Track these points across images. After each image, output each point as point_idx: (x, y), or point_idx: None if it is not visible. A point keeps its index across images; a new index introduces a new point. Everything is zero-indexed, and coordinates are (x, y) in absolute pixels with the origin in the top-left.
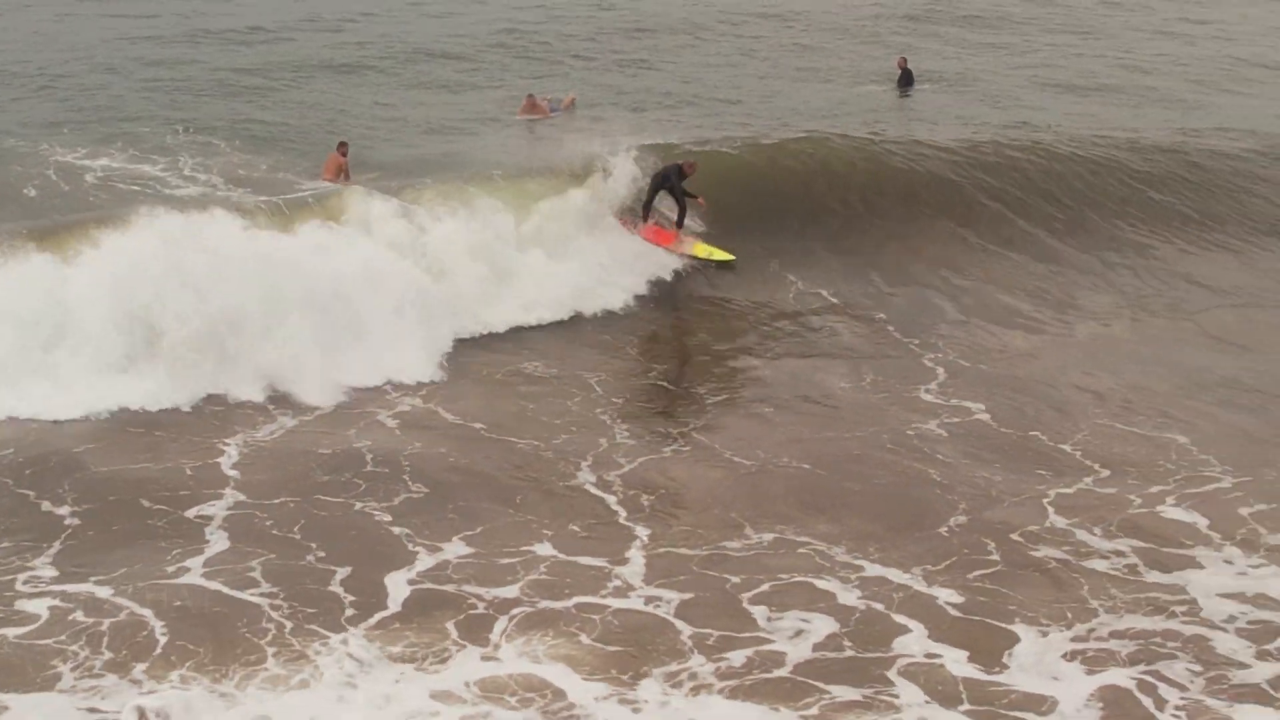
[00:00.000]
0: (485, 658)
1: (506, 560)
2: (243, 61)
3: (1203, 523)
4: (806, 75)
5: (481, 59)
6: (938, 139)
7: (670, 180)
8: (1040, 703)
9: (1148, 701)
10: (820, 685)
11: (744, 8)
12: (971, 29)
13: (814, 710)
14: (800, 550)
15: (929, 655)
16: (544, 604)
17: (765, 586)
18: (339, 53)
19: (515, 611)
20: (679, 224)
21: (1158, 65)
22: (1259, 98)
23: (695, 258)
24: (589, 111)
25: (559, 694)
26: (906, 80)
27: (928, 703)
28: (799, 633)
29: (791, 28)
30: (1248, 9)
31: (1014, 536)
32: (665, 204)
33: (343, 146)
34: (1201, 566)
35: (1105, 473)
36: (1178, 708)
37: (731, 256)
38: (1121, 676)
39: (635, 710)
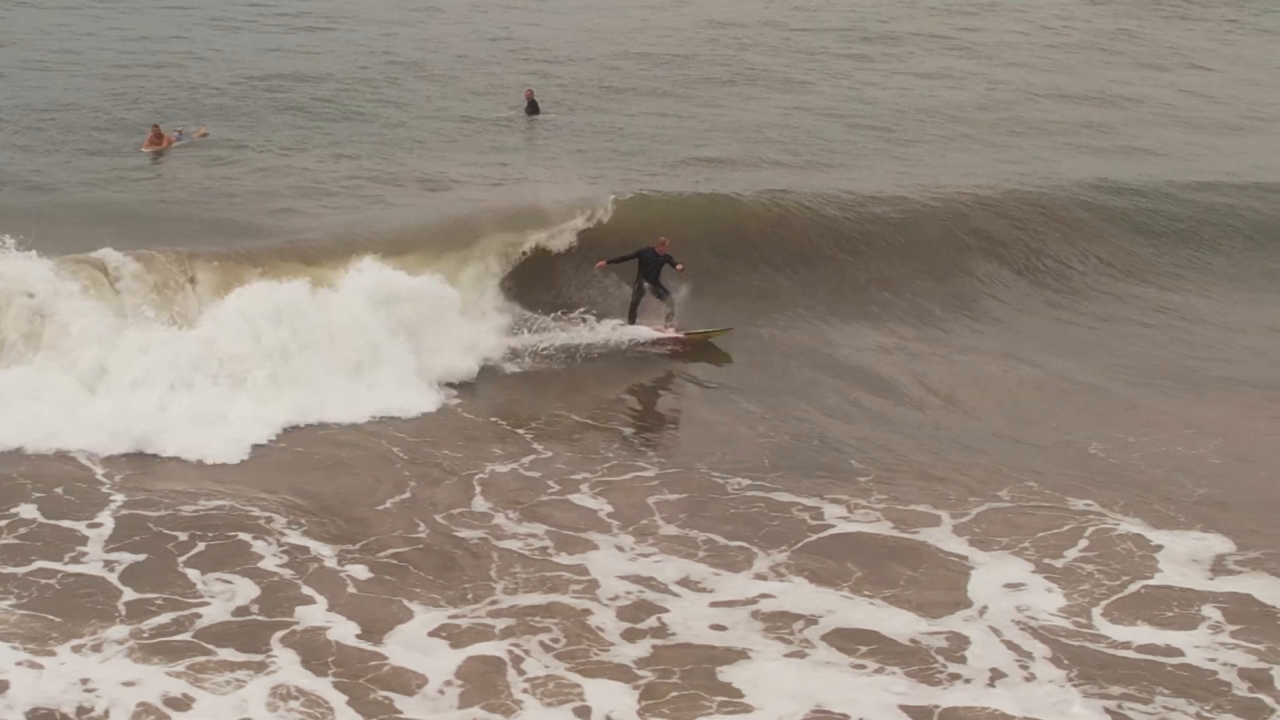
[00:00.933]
0: None
1: None
2: None
3: (607, 509)
4: (442, 104)
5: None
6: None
7: (651, 268)
8: (410, 677)
9: (512, 675)
10: (209, 647)
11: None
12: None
13: (181, 667)
14: (245, 520)
15: (321, 625)
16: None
17: (201, 547)
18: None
19: None
20: (668, 319)
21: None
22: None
23: (693, 335)
24: (220, 138)
25: None
26: (532, 109)
27: (300, 669)
28: (221, 596)
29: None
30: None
31: (439, 518)
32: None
33: None
34: (598, 548)
35: (548, 454)
36: (534, 679)
37: (728, 328)
38: (493, 651)
39: (38, 675)
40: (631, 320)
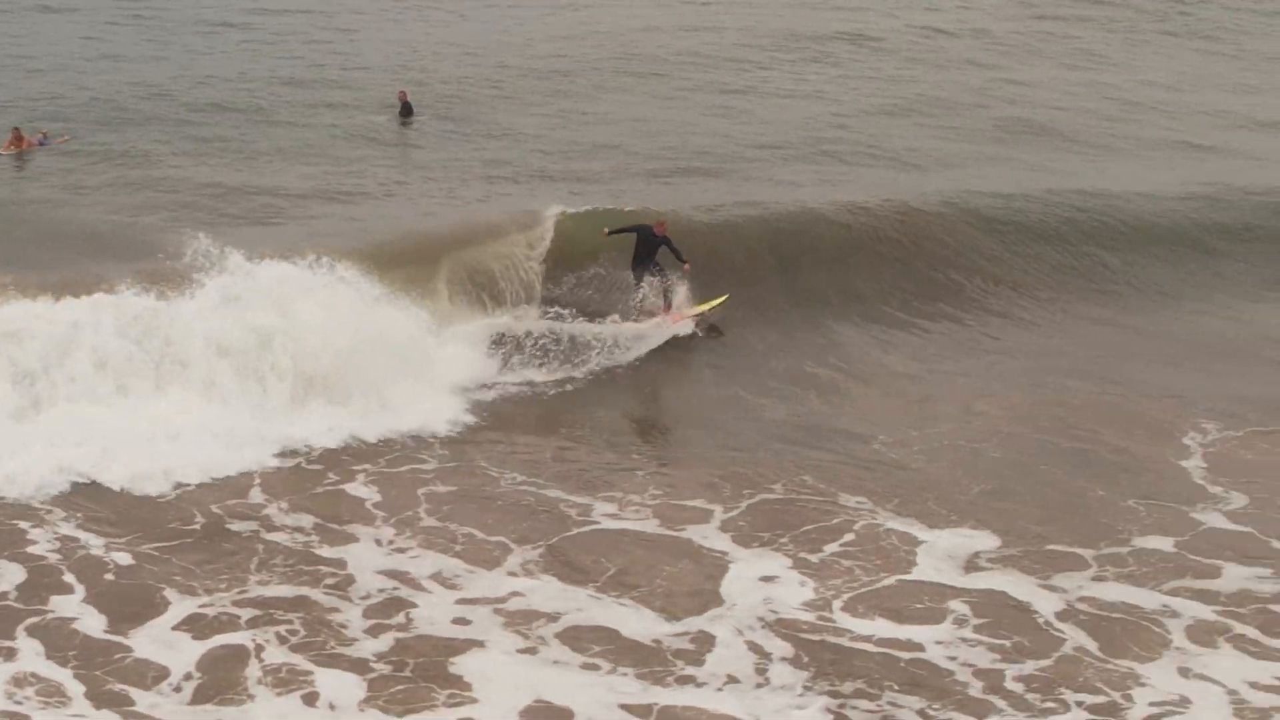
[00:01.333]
0: None
1: None
2: None
3: (375, 499)
4: (319, 107)
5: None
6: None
7: (648, 248)
8: (149, 669)
9: (252, 666)
10: None
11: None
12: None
13: None
14: (27, 510)
15: (72, 615)
16: None
17: None
18: None
19: None
20: (668, 305)
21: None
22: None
23: (700, 314)
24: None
25: None
26: (406, 111)
27: (42, 659)
28: None
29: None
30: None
31: (215, 509)
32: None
33: None
34: (358, 540)
35: (335, 446)
36: (270, 668)
37: (725, 296)
38: (236, 641)
39: None
40: (637, 311)
